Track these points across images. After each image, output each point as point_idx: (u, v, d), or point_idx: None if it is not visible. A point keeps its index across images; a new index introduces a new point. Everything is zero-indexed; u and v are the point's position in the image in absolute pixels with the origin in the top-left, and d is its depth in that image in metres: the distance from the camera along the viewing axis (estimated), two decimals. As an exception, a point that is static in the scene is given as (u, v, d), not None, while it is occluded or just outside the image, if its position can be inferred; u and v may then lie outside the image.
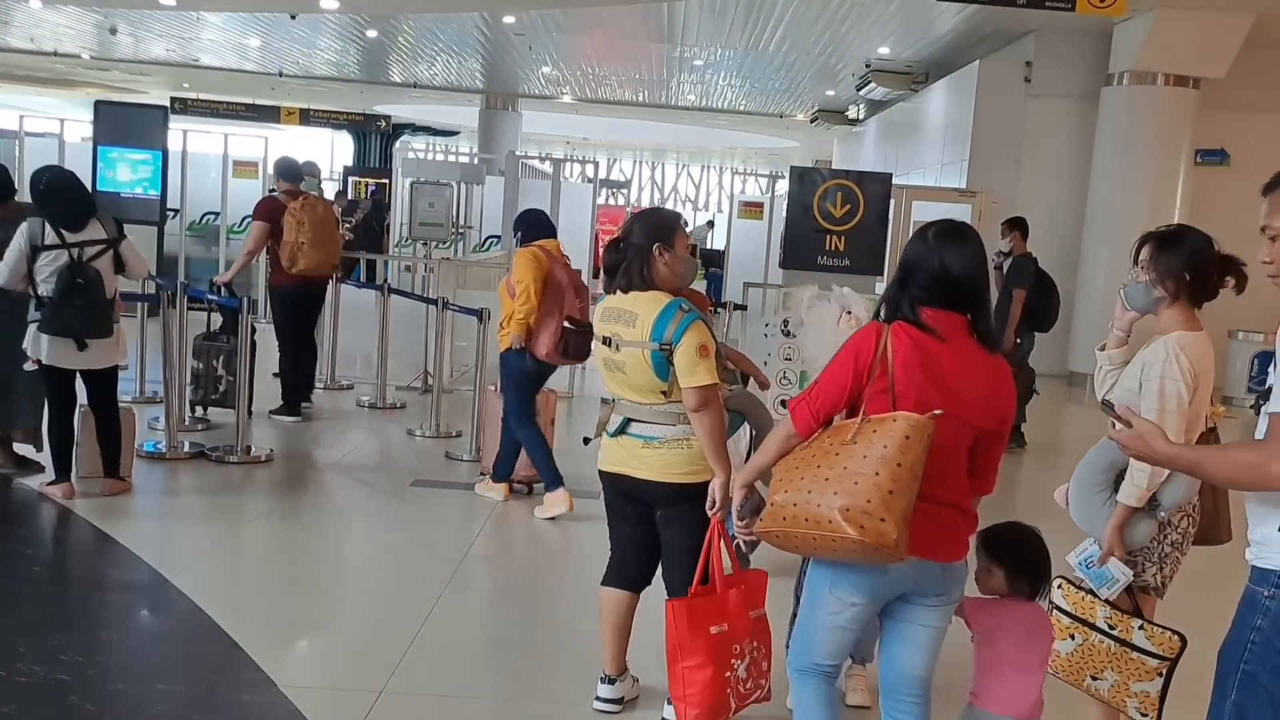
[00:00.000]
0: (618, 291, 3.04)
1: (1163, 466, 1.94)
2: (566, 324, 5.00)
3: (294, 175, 6.90)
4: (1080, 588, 2.88)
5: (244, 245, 6.92)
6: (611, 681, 3.29)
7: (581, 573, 4.88)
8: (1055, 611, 2.87)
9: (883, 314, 2.40)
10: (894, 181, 9.64)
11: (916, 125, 14.70)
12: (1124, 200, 10.94)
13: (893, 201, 9.61)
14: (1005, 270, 7.63)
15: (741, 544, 2.55)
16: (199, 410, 6.51)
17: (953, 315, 2.33)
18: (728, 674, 2.80)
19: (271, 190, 7.11)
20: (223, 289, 6.47)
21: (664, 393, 2.95)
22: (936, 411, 2.20)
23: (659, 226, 3.04)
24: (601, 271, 3.15)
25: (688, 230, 3.20)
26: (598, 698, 3.30)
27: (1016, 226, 7.71)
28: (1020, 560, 2.72)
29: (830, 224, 7.92)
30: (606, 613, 3.24)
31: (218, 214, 11.97)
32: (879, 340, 2.31)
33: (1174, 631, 2.71)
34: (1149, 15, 10.48)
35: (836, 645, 2.47)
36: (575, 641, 3.85)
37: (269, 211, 6.75)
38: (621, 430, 3.04)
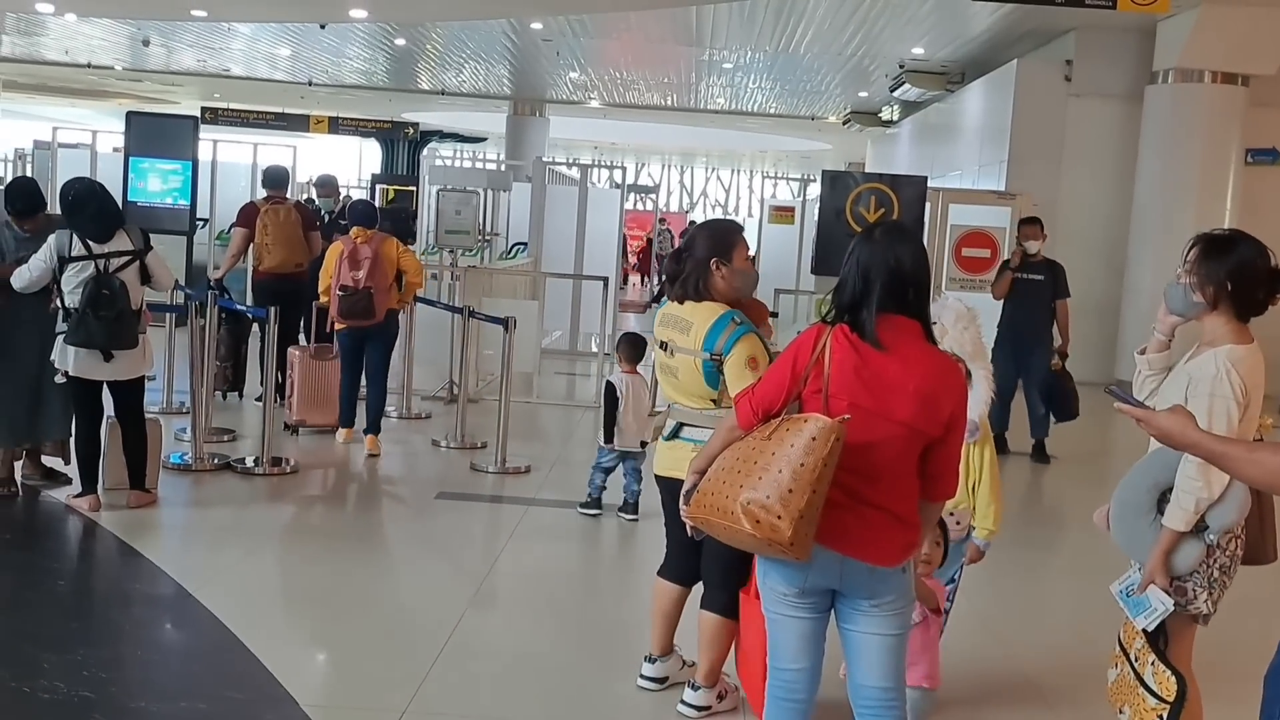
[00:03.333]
0: (677, 300, 3.18)
1: (1186, 451, 1.91)
2: (339, 290, 6.31)
3: (274, 183, 7.74)
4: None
5: (228, 250, 7.84)
6: (653, 661, 3.47)
7: (610, 587, 4.83)
8: (1117, 641, 2.81)
9: (831, 315, 2.45)
10: (930, 184, 9.47)
11: (952, 126, 14.50)
12: (1171, 202, 10.69)
13: (928, 205, 9.44)
14: (1023, 274, 7.34)
15: (688, 528, 2.59)
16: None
17: (903, 318, 2.38)
18: None
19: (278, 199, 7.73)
20: (220, 288, 7.20)
21: (714, 400, 3.09)
22: (845, 416, 2.26)
23: (716, 242, 3.15)
24: (663, 278, 3.36)
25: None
26: (641, 675, 3.48)
27: (1044, 229, 7.51)
28: None
29: (864, 228, 7.76)
30: (657, 600, 3.43)
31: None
32: (818, 342, 2.38)
33: (1175, 674, 2.57)
34: (1193, 11, 10.23)
35: (785, 641, 2.48)
36: (604, 659, 3.78)
37: (247, 218, 7.54)
38: (675, 434, 3.18)
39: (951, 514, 3.24)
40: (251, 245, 7.54)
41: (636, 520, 5.39)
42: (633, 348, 5.65)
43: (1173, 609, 2.62)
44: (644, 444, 3.49)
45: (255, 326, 7.17)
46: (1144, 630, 2.66)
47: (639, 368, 5.56)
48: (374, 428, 6.55)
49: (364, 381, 6.71)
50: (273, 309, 6.05)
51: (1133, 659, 2.68)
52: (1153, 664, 2.62)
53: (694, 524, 2.48)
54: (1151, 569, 2.62)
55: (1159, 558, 2.60)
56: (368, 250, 6.34)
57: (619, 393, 5.41)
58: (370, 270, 6.28)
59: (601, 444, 5.44)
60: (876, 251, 2.38)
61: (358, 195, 20.39)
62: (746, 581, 3.11)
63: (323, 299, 6.59)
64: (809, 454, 2.22)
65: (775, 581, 2.43)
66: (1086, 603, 4.56)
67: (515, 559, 4.95)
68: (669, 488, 3.20)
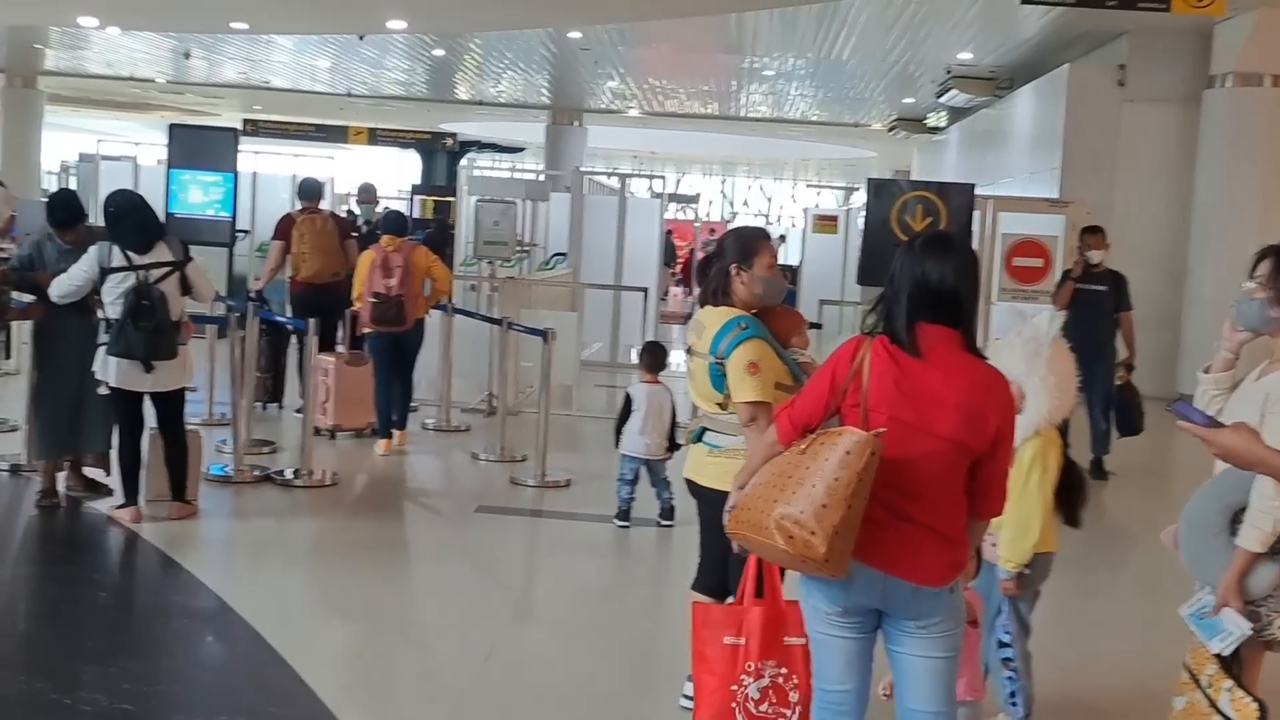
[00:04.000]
0: (702, 304, 3.24)
1: (1252, 469, 1.91)
2: (371, 298, 6.55)
3: (309, 195, 7.75)
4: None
5: (266, 262, 7.97)
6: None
7: (652, 602, 4.75)
8: (1183, 668, 2.67)
9: (869, 325, 2.42)
10: (978, 191, 9.26)
11: (1002, 132, 14.24)
12: (1231, 209, 10.38)
13: (977, 213, 9.22)
14: (1085, 284, 7.14)
15: (734, 544, 2.57)
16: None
17: (944, 329, 2.32)
18: (734, 688, 2.85)
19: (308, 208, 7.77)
20: (260, 299, 7.32)
21: (720, 404, 3.10)
22: (881, 430, 2.22)
23: (738, 247, 3.17)
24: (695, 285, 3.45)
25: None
26: (684, 695, 3.38)
27: (1107, 238, 7.30)
28: None
29: (909, 238, 7.57)
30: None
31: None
32: (856, 354, 2.34)
33: (1255, 700, 2.45)
34: (1251, 13, 9.96)
35: (830, 662, 2.41)
36: (646, 678, 3.74)
37: (284, 230, 7.56)
38: (698, 437, 3.21)
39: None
40: (289, 255, 7.53)
41: (672, 526, 5.33)
42: (653, 357, 5.62)
43: (1249, 633, 2.52)
44: (678, 446, 3.45)
45: (294, 337, 7.21)
46: (1218, 655, 2.55)
47: (663, 378, 5.55)
48: (401, 423, 6.90)
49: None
50: (312, 321, 6.04)
51: (1205, 686, 2.57)
52: (1229, 690, 2.50)
53: (736, 540, 2.44)
54: (1225, 592, 2.52)
55: (1233, 580, 2.50)
56: (399, 259, 6.60)
57: (635, 404, 5.36)
58: (402, 278, 6.56)
59: (616, 448, 5.46)
60: (910, 262, 2.35)
61: (396, 207, 20.54)
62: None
63: (357, 305, 6.82)
64: (844, 468, 2.18)
65: (817, 600, 2.38)
66: (1149, 626, 4.42)
67: (555, 574, 4.89)
68: (696, 493, 3.24)
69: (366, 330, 6.75)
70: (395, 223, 7.00)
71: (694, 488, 3.24)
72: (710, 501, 3.20)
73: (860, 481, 2.18)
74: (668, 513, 5.40)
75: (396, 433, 6.83)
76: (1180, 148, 11.01)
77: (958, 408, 2.27)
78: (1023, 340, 2.97)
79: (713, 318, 3.12)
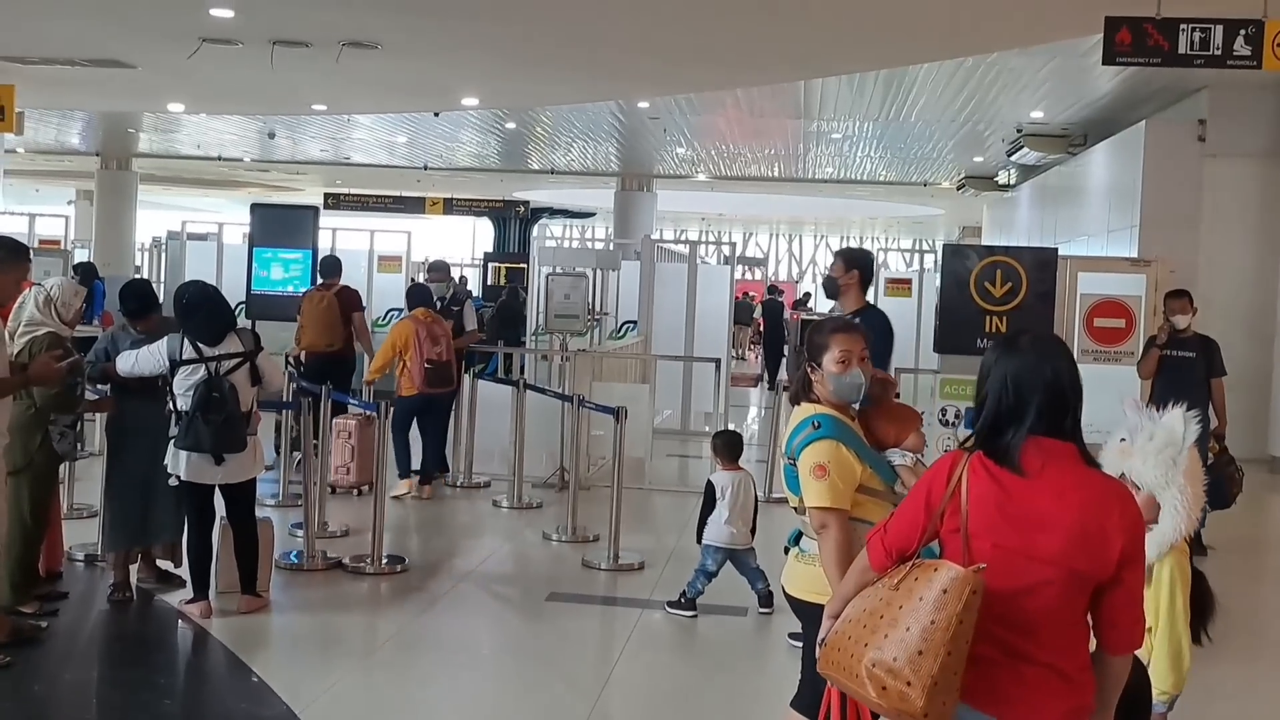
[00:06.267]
0: (793, 403, 3.18)
1: None
2: (426, 364, 7.26)
3: (327, 272, 8.71)
4: None
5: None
6: None
7: (737, 710, 4.47)
8: None
9: (972, 440, 2.16)
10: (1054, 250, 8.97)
11: (1076, 190, 13.90)
12: (1323, 267, 9.98)
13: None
14: (1172, 350, 6.81)
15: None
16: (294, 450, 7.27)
17: (1055, 442, 2.08)
18: None
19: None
20: (299, 364, 8.13)
21: (795, 508, 3.05)
22: (980, 565, 2.01)
23: (810, 345, 3.12)
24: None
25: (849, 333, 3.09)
26: None
27: (1193, 302, 6.94)
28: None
29: (990, 304, 7.34)
30: None
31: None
32: (952, 472, 2.12)
33: None
34: (1341, 65, 9.59)
35: None
36: None
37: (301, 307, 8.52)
38: (795, 540, 3.11)
39: None
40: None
41: (771, 612, 5.17)
42: (729, 447, 5.42)
43: None
44: (787, 549, 3.31)
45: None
46: None
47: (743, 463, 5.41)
48: (442, 466, 7.75)
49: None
50: (383, 404, 6.05)
51: None
52: None
53: (829, 680, 2.23)
54: None
55: None
56: (440, 329, 7.41)
57: (719, 492, 5.17)
58: (447, 345, 7.41)
59: (698, 543, 5.26)
60: (1030, 364, 2.11)
61: (471, 273, 20.95)
62: None
63: (373, 375, 7.53)
64: (940, 609, 1.97)
65: None
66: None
67: (631, 673, 4.68)
68: (790, 603, 3.12)
69: (409, 392, 7.36)
70: (425, 296, 7.83)
71: (786, 597, 3.12)
72: (801, 613, 3.06)
73: (960, 624, 1.97)
74: (766, 599, 5.21)
75: (425, 488, 7.44)
76: (1266, 203, 10.63)
77: (1070, 530, 2.04)
78: (1156, 446, 2.63)
79: (794, 416, 3.07)
